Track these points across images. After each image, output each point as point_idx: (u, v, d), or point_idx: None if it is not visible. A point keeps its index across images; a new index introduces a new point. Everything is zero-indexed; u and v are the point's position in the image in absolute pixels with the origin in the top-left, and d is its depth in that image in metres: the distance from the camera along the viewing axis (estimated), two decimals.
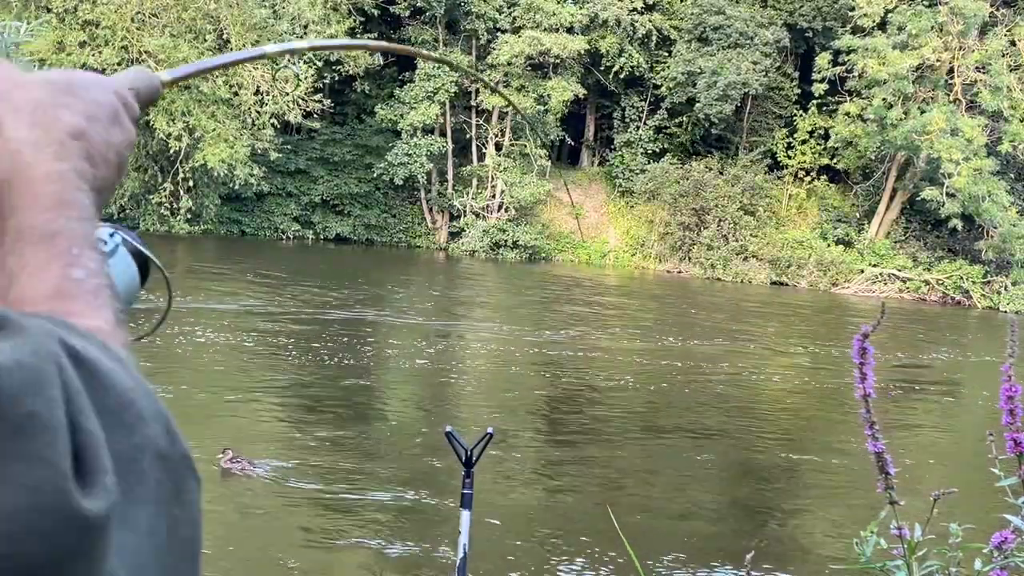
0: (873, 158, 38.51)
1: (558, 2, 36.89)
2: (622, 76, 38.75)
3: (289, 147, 35.29)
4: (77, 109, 0.75)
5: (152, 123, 31.95)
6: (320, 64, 33.42)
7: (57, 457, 0.50)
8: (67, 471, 0.50)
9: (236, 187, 33.04)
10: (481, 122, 38.56)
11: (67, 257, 0.66)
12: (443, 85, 36.39)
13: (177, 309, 19.15)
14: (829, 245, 38.36)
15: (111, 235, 0.91)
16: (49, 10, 30.07)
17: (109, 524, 0.51)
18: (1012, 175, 37.41)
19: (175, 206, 33.36)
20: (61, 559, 0.49)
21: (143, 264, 0.94)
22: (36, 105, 0.72)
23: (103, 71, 30.44)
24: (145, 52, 30.65)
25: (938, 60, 35.82)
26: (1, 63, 0.75)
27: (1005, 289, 36.15)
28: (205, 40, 31.64)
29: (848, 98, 37.58)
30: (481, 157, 38.75)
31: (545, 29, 36.12)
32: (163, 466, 0.57)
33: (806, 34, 39.17)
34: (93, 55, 30.46)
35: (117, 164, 0.78)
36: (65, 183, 0.69)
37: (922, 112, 35.56)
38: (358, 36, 35.64)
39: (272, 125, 32.76)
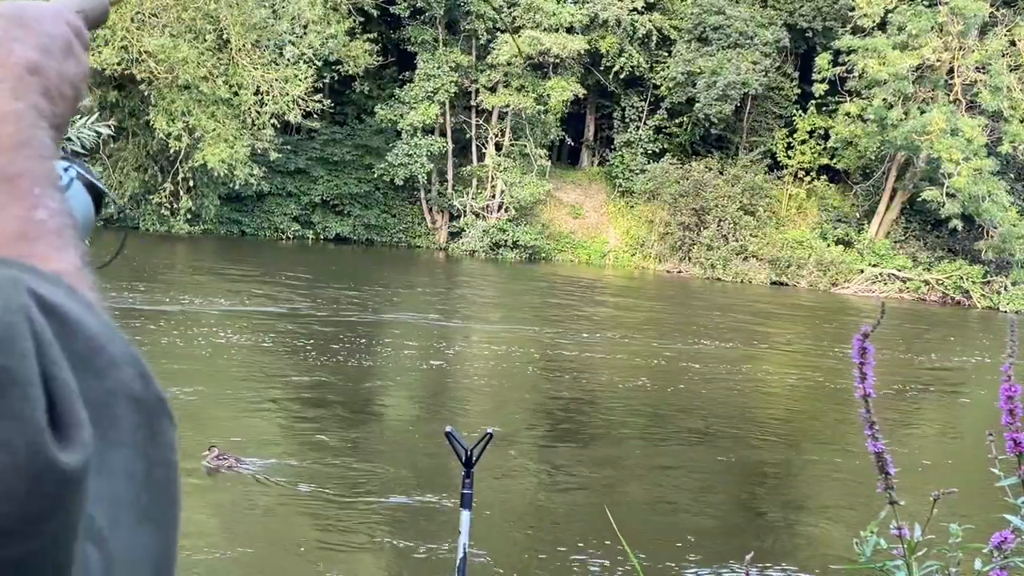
0: (873, 158, 38.53)
1: (558, 2, 36.89)
2: (622, 76, 38.76)
3: (289, 147, 35.28)
4: (31, 43, 0.72)
5: (152, 123, 31.96)
6: (320, 64, 33.43)
7: (31, 411, 0.49)
8: (42, 426, 0.49)
9: (236, 187, 33.04)
10: (481, 122, 38.57)
11: (30, 198, 0.64)
12: (443, 85, 36.41)
13: (181, 310, 19.17)
14: (829, 245, 38.38)
15: (65, 169, 0.91)
16: None
17: (86, 476, 0.51)
18: (1012, 175, 37.43)
19: (175, 206, 33.35)
20: (39, 514, 0.49)
21: (97, 196, 0.94)
22: None
23: (103, 71, 30.52)
24: (145, 52, 30.64)
25: (938, 60, 35.83)
26: None
27: (1005, 289, 36.17)
28: (205, 40, 31.64)
29: (848, 98, 37.60)
30: (481, 157, 38.75)
31: (545, 29, 36.12)
32: (137, 409, 0.57)
33: (806, 34, 39.17)
34: (93, 55, 30.44)
35: (73, 98, 0.75)
36: (24, 122, 0.67)
37: (922, 112, 35.56)
38: (358, 36, 35.68)
39: (272, 125, 32.76)
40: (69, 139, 5.93)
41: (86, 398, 0.53)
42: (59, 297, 0.56)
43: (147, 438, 0.57)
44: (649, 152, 40.13)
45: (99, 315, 0.58)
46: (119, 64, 30.52)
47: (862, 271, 37.69)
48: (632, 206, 39.75)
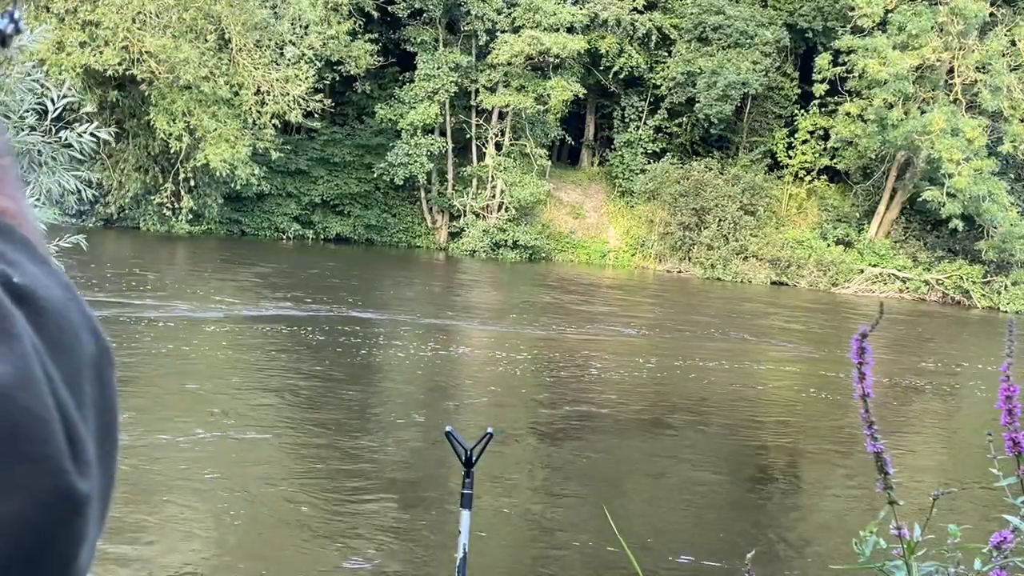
0: (873, 158, 38.53)
1: (558, 2, 36.89)
2: (622, 76, 38.77)
3: (289, 147, 35.30)
4: None
5: (153, 123, 31.96)
6: (320, 64, 33.43)
7: (57, 452, 0.49)
8: (69, 465, 0.49)
9: (237, 187, 33.06)
10: (481, 122, 38.56)
11: None
12: (443, 85, 36.40)
13: (181, 309, 19.17)
14: (829, 245, 38.38)
15: None
16: (48, 9, 30.06)
17: (95, 492, 0.51)
18: (1012, 175, 37.43)
19: (176, 206, 33.37)
20: (58, 538, 0.49)
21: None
22: None
23: (104, 71, 30.52)
24: (146, 52, 30.65)
25: (938, 60, 35.82)
26: None
27: (1005, 289, 36.17)
28: (206, 40, 31.65)
29: (848, 98, 37.58)
30: (481, 157, 38.75)
31: (545, 29, 36.12)
32: (94, 369, 0.55)
33: (806, 34, 39.17)
34: (94, 55, 30.46)
35: None
36: None
37: (922, 112, 35.56)
38: (359, 37, 35.69)
39: (273, 125, 32.77)
40: (70, 145, 5.93)
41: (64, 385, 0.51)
42: (24, 269, 0.52)
43: (99, 392, 0.55)
44: (649, 152, 40.14)
45: (50, 268, 0.54)
46: (120, 64, 30.52)
47: (862, 271, 37.69)
48: (632, 206, 39.75)
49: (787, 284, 37.26)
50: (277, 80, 32.41)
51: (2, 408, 0.47)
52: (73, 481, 0.49)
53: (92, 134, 5.60)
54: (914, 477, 11.74)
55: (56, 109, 5.53)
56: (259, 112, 32.42)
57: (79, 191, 5.81)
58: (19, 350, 0.48)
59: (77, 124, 5.67)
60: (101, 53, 30.46)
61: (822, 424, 15.70)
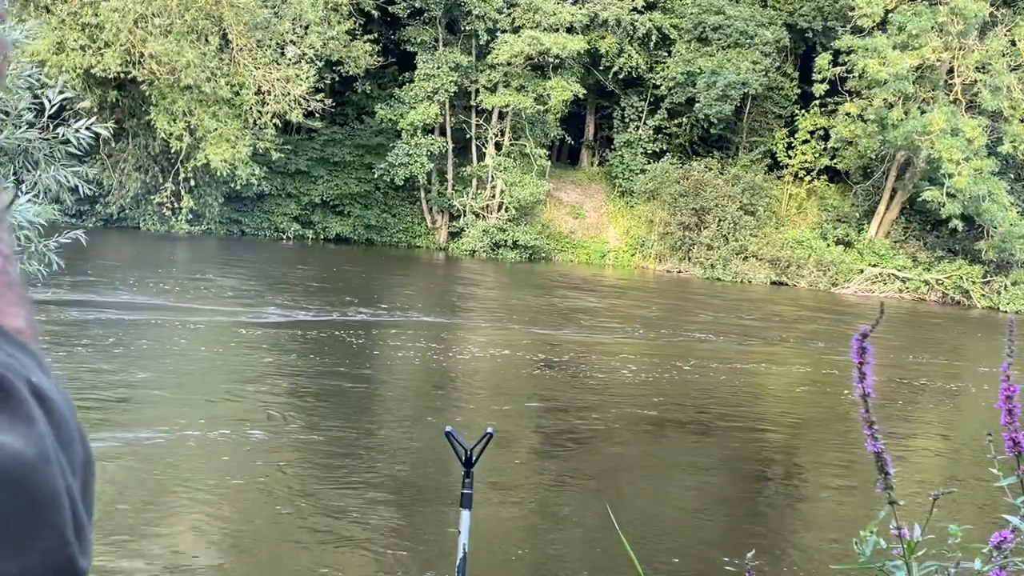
0: (873, 158, 38.54)
1: (558, 2, 36.90)
2: (622, 76, 38.78)
3: (289, 147, 35.30)
4: None
5: (153, 123, 31.95)
6: (321, 64, 33.43)
7: (65, 525, 0.54)
8: (73, 540, 0.54)
9: (237, 187, 33.06)
10: (481, 122, 38.56)
11: None
12: (443, 85, 36.41)
13: (183, 309, 19.16)
14: (829, 245, 38.38)
15: None
16: (49, 10, 30.04)
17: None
18: (1012, 175, 37.44)
19: (176, 206, 33.36)
20: None
21: None
22: None
23: (105, 74, 30.44)
24: (148, 55, 30.63)
25: (938, 60, 35.83)
26: None
27: (1005, 289, 36.17)
28: (208, 42, 31.63)
29: (848, 98, 37.59)
30: (481, 157, 38.76)
31: (545, 29, 36.13)
32: (83, 473, 0.59)
33: (806, 34, 39.18)
34: (95, 57, 30.45)
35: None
36: None
37: (922, 112, 35.56)
38: (358, 37, 35.71)
39: (273, 125, 32.77)
40: (67, 141, 5.93)
41: None
42: (37, 375, 0.58)
43: (84, 493, 0.59)
44: (649, 152, 40.15)
45: (55, 382, 0.60)
46: (120, 66, 30.51)
47: (862, 271, 37.70)
48: (632, 206, 39.76)
49: (787, 284, 37.25)
50: (278, 80, 32.41)
51: (26, 478, 0.52)
52: (76, 555, 0.54)
53: (89, 129, 5.58)
54: (914, 477, 11.73)
55: (53, 106, 5.51)
56: (260, 112, 32.42)
57: (78, 188, 5.80)
58: (38, 431, 0.54)
59: (75, 120, 5.66)
60: (102, 55, 30.44)
61: (822, 424, 15.69)
